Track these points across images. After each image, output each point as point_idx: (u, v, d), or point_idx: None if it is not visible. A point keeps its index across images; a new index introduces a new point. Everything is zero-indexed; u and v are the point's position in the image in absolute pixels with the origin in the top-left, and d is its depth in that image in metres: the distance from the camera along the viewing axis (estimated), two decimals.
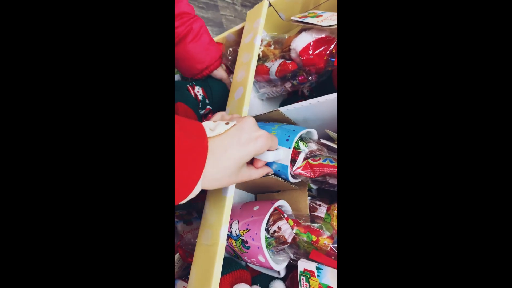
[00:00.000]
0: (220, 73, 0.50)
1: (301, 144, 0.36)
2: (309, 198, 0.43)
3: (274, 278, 0.38)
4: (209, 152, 0.25)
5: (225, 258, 0.37)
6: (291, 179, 0.36)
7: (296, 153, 0.36)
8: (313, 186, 0.46)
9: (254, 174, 0.31)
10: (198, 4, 1.22)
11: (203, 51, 0.46)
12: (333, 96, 0.35)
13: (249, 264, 0.39)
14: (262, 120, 0.43)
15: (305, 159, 0.36)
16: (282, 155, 0.34)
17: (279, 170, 0.36)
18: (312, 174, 0.36)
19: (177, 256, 0.46)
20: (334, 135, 0.37)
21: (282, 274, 0.37)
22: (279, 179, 0.37)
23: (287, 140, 0.35)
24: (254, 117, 0.43)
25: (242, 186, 0.46)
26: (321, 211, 0.40)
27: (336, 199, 0.42)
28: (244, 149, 0.27)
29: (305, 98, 0.56)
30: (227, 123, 0.27)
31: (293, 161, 0.36)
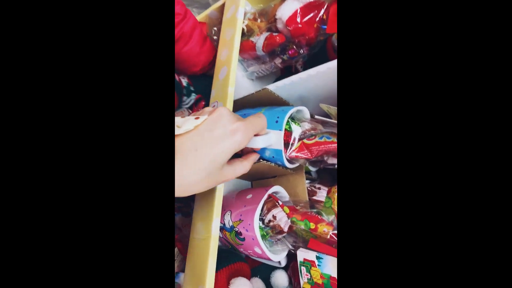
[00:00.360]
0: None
1: (293, 124, 0.33)
2: (308, 181, 0.40)
3: (275, 268, 0.36)
4: (176, 152, 0.22)
5: (221, 251, 0.35)
6: (287, 164, 0.33)
7: (288, 135, 0.33)
8: (312, 169, 0.43)
9: (239, 169, 0.27)
10: None
11: (196, 56, 0.43)
12: (325, 67, 0.32)
13: (247, 255, 0.37)
14: (249, 102, 0.40)
15: (299, 139, 0.33)
16: (274, 139, 0.31)
17: (273, 157, 0.33)
18: (310, 155, 0.32)
19: (176, 250, 0.45)
20: (330, 109, 0.33)
21: (283, 263, 0.35)
22: (273, 164, 0.35)
23: (277, 122, 0.31)
24: (240, 99, 0.40)
25: None
26: (321, 194, 0.37)
27: (335, 181, 0.39)
28: (219, 145, 0.23)
29: None
30: (197, 118, 0.24)
31: (287, 144, 0.33)
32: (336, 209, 0.35)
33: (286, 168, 0.35)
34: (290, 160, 0.34)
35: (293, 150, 0.32)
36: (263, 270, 0.36)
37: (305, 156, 0.32)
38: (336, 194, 0.36)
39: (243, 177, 0.45)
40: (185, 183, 0.22)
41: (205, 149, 0.22)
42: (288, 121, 0.32)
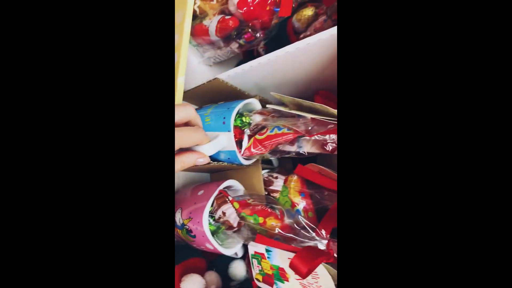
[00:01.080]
0: None
1: (243, 120, 0.32)
2: (266, 170, 0.40)
3: (233, 259, 0.36)
4: None
5: (176, 247, 0.35)
6: (244, 162, 0.33)
7: (241, 132, 0.32)
8: (271, 157, 0.42)
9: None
10: None
11: None
12: (283, 52, 0.30)
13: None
14: (201, 93, 0.38)
15: (250, 136, 0.32)
16: (225, 142, 0.30)
17: (229, 158, 0.32)
18: (264, 150, 0.32)
19: None
20: (283, 97, 0.32)
21: (240, 254, 0.35)
22: (225, 163, 0.34)
23: (224, 123, 0.30)
24: (191, 90, 0.38)
25: (193, 168, 0.42)
26: (278, 184, 0.37)
27: (293, 170, 0.39)
28: None
29: None
30: None
31: (240, 141, 0.32)
32: (292, 198, 0.35)
33: (245, 166, 0.34)
34: (247, 158, 0.33)
35: (247, 149, 0.31)
36: (220, 262, 0.36)
37: (259, 152, 0.32)
38: (293, 182, 0.36)
39: (200, 170, 0.44)
40: None
41: None
42: (237, 118, 0.31)
